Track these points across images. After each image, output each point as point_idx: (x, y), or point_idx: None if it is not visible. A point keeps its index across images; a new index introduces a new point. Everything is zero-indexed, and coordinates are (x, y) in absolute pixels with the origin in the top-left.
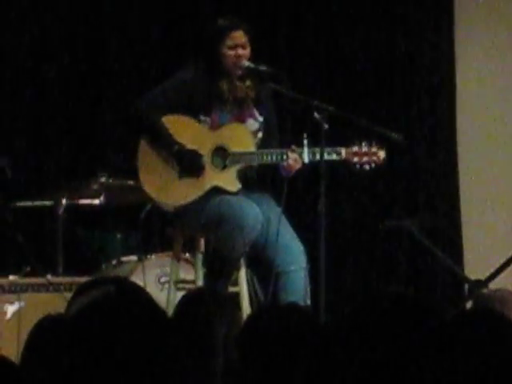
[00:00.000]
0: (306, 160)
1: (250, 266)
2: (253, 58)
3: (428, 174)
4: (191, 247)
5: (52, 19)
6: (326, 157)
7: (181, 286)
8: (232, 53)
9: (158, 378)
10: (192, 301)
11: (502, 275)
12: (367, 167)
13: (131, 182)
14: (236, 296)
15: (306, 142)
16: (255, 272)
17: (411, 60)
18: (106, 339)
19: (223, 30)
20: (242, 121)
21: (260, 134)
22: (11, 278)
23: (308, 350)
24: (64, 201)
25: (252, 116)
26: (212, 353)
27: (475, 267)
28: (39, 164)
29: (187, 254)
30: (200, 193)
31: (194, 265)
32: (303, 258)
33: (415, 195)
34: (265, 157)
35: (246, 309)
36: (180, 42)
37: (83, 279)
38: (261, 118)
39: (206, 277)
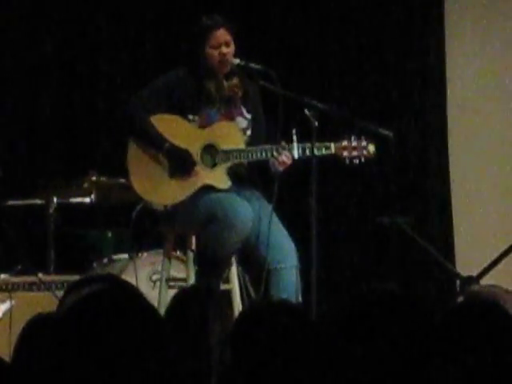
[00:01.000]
0: (296, 156)
1: (241, 263)
2: (241, 55)
3: (419, 171)
4: (182, 245)
5: (49, 19)
6: (315, 152)
7: (172, 283)
8: (216, 52)
9: (152, 377)
10: (185, 298)
11: (494, 271)
12: (357, 161)
13: (122, 180)
14: (227, 293)
15: (295, 137)
16: (246, 270)
17: (402, 57)
18: (96, 338)
19: (205, 30)
20: (231, 119)
21: (249, 132)
22: (2, 276)
23: (299, 347)
24: (55, 199)
25: (240, 114)
26: (206, 350)
27: (467, 263)
28: (30, 163)
29: (178, 252)
30: (191, 191)
31: (185, 262)
32: (294, 255)
33: (406, 192)
34: (255, 154)
35: (238, 306)
36: (172, 42)
37: (74, 278)
38: (249, 116)
39: (198, 274)
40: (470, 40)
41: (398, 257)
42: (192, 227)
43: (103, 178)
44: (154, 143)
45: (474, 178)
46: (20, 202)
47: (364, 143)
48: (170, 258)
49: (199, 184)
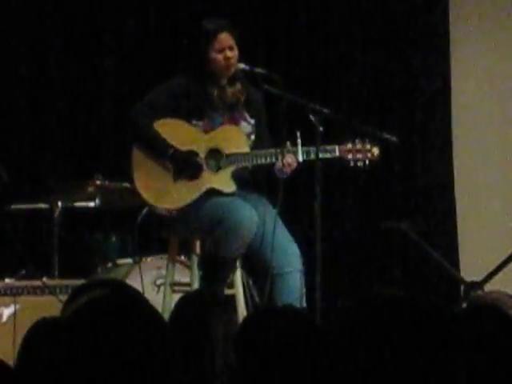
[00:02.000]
0: (301, 158)
1: (245, 268)
2: (245, 60)
3: (424, 175)
4: (187, 249)
5: (51, 22)
6: (320, 155)
7: (177, 288)
8: (220, 56)
9: (156, 382)
10: (190, 303)
11: (498, 277)
12: (362, 164)
13: (127, 185)
14: (232, 298)
15: (299, 140)
16: (251, 274)
17: (407, 63)
18: (100, 342)
19: (209, 34)
20: (235, 123)
21: (253, 137)
22: (7, 280)
23: (303, 352)
24: (60, 203)
25: (244, 119)
26: (210, 355)
27: (471, 269)
28: (35, 167)
29: (183, 257)
30: (196, 195)
31: (189, 267)
32: (299, 259)
33: (411, 197)
34: (259, 157)
35: (242, 311)
36: (176, 48)
37: (79, 282)
38: (252, 121)
39: (202, 279)
40: (474, 44)
41: (402, 262)
42: (197, 231)
43: (108, 183)
44: (159, 150)
45: (479, 183)
46: (25, 207)
47: (368, 146)
48: (174, 263)
49: (204, 188)
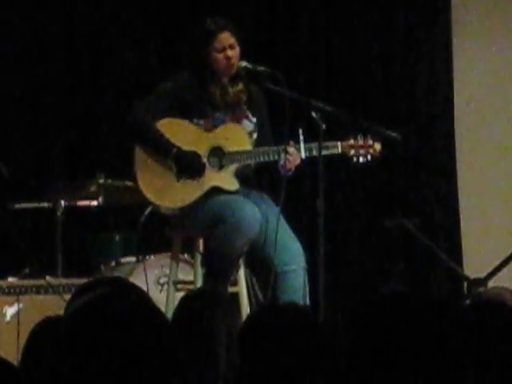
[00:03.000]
0: (303, 155)
1: (248, 266)
2: (247, 58)
3: (427, 172)
4: (190, 248)
5: (52, 22)
6: (322, 152)
7: (180, 286)
8: (221, 55)
9: (159, 380)
10: (193, 301)
11: (501, 273)
12: (364, 159)
13: (129, 183)
14: (235, 296)
15: (302, 137)
16: (254, 272)
17: (409, 60)
18: (104, 341)
19: (209, 34)
20: (237, 122)
21: (255, 135)
22: (10, 279)
23: (307, 349)
24: (62, 202)
25: (246, 117)
26: (214, 353)
27: (474, 265)
28: (37, 166)
29: (186, 255)
30: (199, 194)
31: (193, 265)
32: (302, 257)
33: (414, 194)
34: (261, 155)
35: (245, 309)
36: (177, 47)
37: (82, 281)
38: (254, 119)
39: (205, 277)
40: (476, 42)
41: (405, 259)
42: (200, 230)
43: (110, 181)
44: (161, 149)
45: (482, 180)
46: (27, 205)
47: (370, 142)
48: (177, 261)
49: (207, 186)
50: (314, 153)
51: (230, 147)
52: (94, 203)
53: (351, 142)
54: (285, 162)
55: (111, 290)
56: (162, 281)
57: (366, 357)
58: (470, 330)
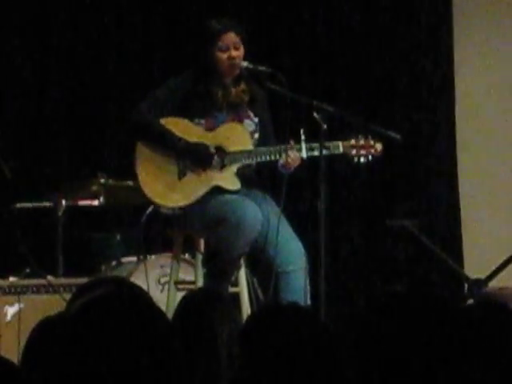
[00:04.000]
0: (304, 155)
1: (249, 266)
2: (250, 58)
3: (427, 173)
4: (191, 248)
5: (54, 22)
6: (324, 152)
7: (181, 286)
8: (225, 55)
9: (160, 380)
10: (194, 301)
11: (502, 274)
12: (365, 159)
13: (131, 183)
14: (236, 296)
15: (303, 137)
16: (255, 272)
17: (411, 58)
18: (105, 340)
19: (214, 34)
20: (239, 121)
21: (256, 135)
22: (11, 279)
23: (308, 350)
24: (64, 202)
25: (248, 117)
26: (215, 353)
27: (475, 266)
28: (39, 165)
29: (187, 255)
30: (200, 193)
31: (194, 265)
32: (303, 257)
33: (415, 195)
34: (263, 155)
35: (246, 309)
36: (181, 46)
37: (83, 280)
38: (256, 119)
39: (206, 277)
40: (478, 39)
41: (406, 259)
42: (201, 229)
43: (112, 181)
44: (168, 142)
45: (483, 180)
46: (29, 205)
47: (371, 142)
48: (178, 261)
49: (209, 186)
50: (315, 153)
51: (232, 147)
52: (95, 203)
53: (352, 142)
54: (285, 162)
55: (112, 290)
56: (163, 281)
57: (368, 357)
58: (472, 331)
